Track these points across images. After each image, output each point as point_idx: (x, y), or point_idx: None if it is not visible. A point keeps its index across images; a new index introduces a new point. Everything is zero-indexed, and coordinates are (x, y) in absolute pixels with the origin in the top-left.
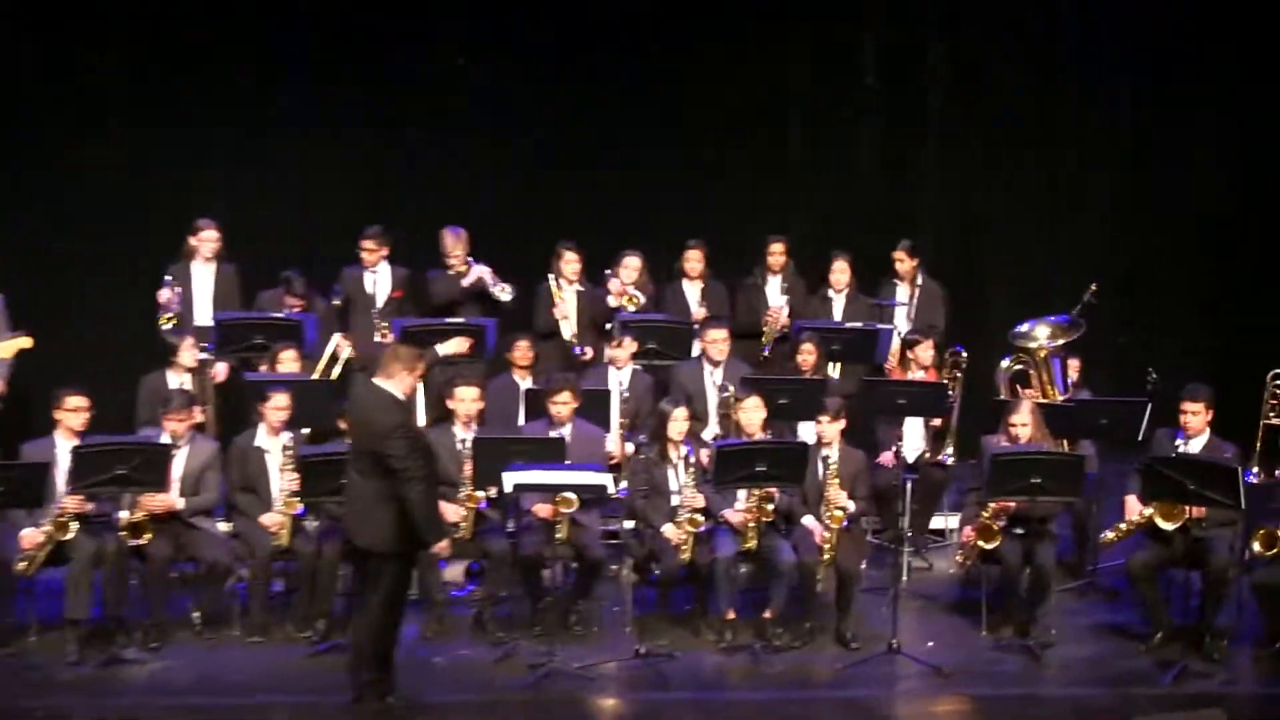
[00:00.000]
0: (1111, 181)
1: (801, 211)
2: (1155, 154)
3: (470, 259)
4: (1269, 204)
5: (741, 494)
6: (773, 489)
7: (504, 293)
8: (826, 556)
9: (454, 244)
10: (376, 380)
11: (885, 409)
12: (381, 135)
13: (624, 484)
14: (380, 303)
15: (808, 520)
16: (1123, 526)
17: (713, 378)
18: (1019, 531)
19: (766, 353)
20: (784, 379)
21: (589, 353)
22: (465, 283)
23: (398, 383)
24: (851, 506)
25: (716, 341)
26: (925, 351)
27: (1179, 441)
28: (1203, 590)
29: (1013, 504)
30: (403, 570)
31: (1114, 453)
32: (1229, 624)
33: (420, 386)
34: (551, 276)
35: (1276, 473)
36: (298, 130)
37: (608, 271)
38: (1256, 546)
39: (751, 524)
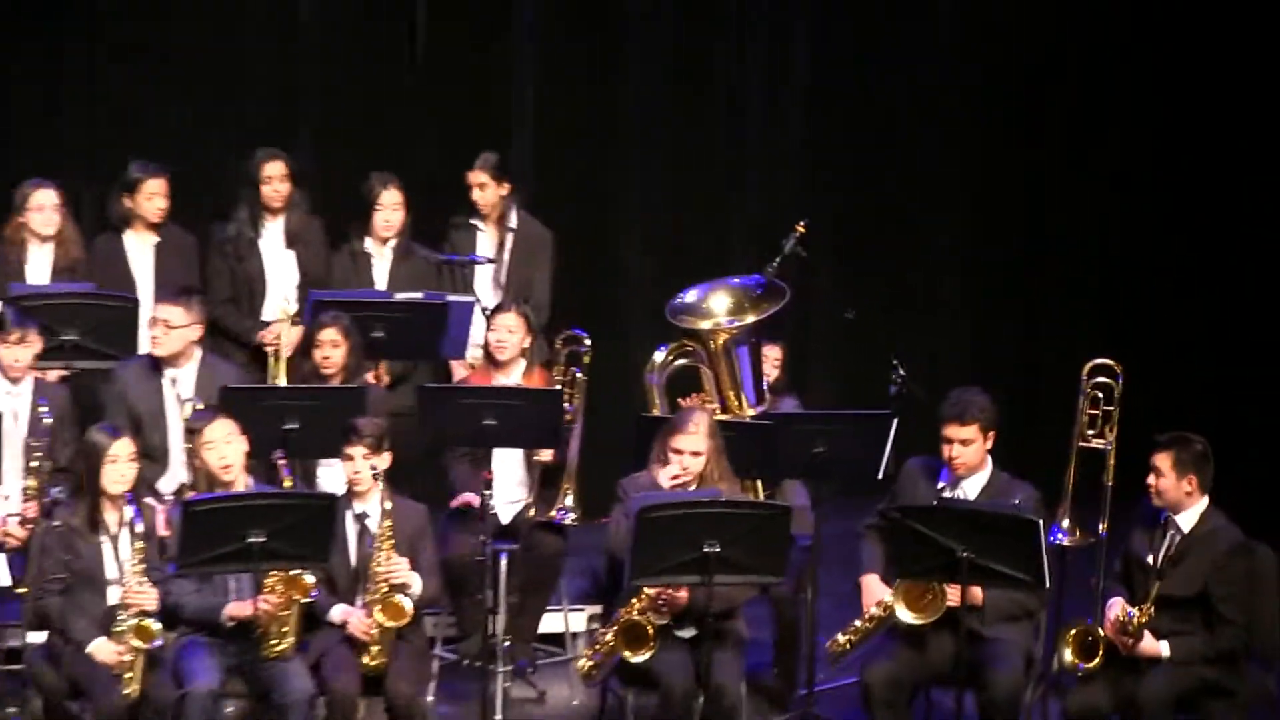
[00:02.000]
0: (822, 56)
1: (309, 116)
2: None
3: None
4: (1088, 87)
5: (231, 583)
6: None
7: None
8: (373, 660)
9: None
10: None
11: (462, 434)
12: None
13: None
14: None
15: (337, 612)
16: (858, 625)
17: (175, 388)
18: (687, 634)
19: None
20: (290, 388)
21: None
22: None
23: None
24: (417, 583)
25: (168, 326)
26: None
27: (942, 483)
28: None
29: (682, 593)
30: None
31: (840, 502)
32: None
33: None
34: None
35: (1101, 527)
36: None
37: (21, 220)
38: (1068, 655)
39: (283, 612)
